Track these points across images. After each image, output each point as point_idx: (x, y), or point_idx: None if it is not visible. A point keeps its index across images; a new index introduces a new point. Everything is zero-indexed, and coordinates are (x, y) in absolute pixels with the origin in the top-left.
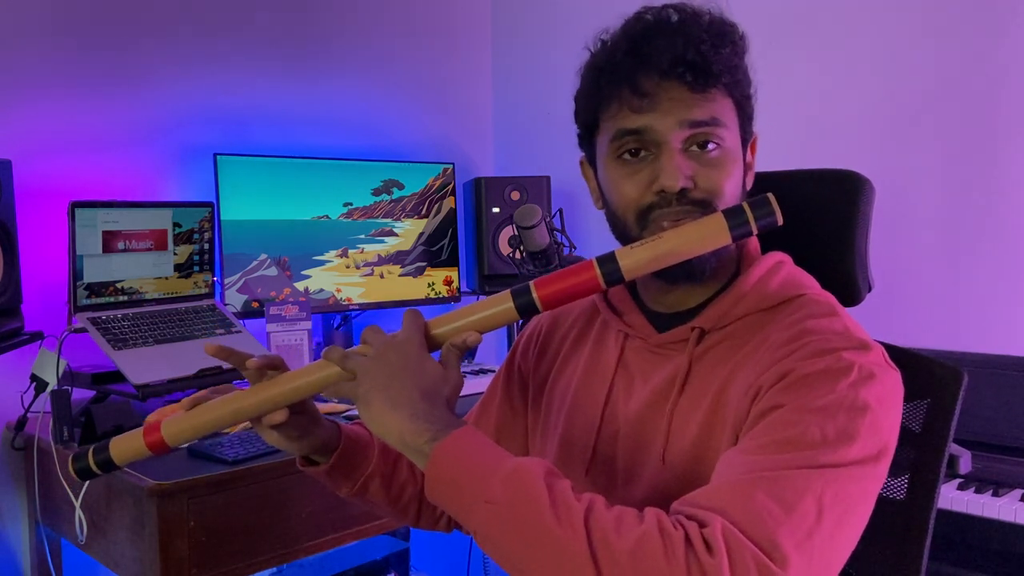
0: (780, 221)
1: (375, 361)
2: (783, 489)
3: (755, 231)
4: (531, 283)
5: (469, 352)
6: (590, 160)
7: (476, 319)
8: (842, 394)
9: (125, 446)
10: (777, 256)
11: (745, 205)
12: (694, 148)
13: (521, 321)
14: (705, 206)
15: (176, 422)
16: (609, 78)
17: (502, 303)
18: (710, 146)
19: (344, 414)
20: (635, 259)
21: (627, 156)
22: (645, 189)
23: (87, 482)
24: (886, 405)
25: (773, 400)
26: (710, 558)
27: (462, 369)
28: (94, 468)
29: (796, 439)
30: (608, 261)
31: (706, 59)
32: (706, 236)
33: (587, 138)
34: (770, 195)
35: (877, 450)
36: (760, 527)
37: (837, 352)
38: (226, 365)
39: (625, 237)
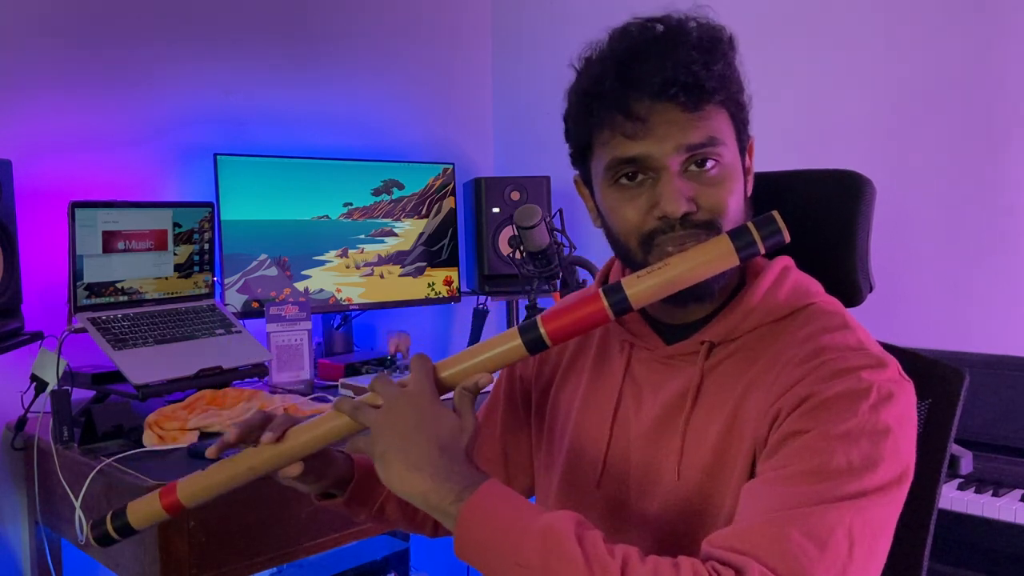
0: (787, 239)
1: (388, 416)
2: (814, 526)
3: (763, 251)
4: (538, 318)
5: None
6: (584, 179)
7: (485, 359)
8: (864, 418)
9: (142, 510)
10: (782, 262)
11: (750, 225)
12: (692, 168)
13: (522, 320)
14: (709, 227)
15: (192, 483)
16: (599, 103)
17: (510, 341)
18: (709, 164)
19: None
20: (642, 287)
21: (624, 180)
22: (646, 214)
23: (87, 482)
24: (905, 424)
25: (794, 426)
26: None
27: None
28: (113, 534)
29: (822, 469)
30: (615, 291)
31: (698, 79)
32: (713, 260)
33: (580, 158)
34: (775, 213)
35: (899, 472)
36: (797, 569)
37: (856, 372)
38: (226, 365)
39: (628, 260)
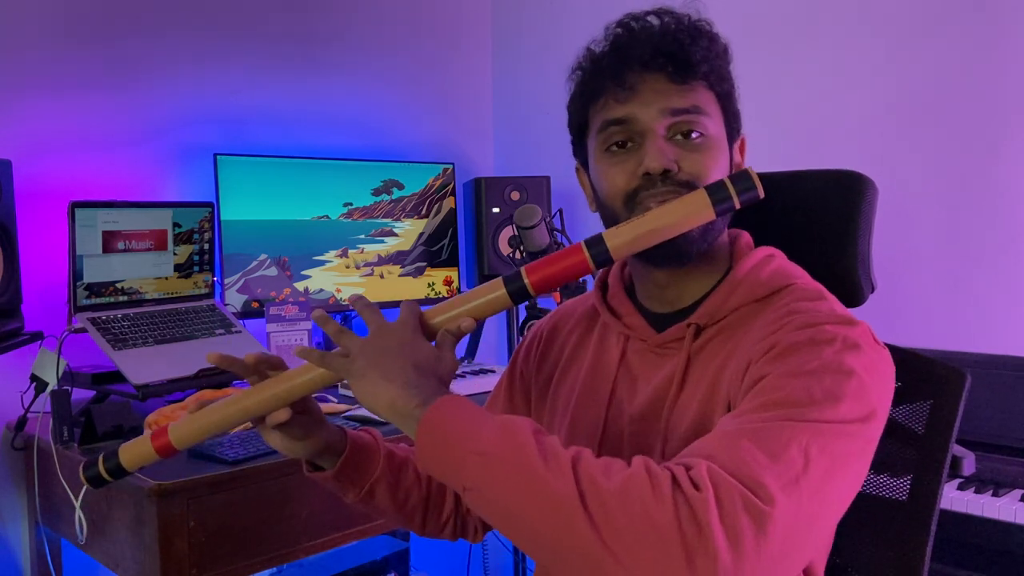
0: (762, 194)
1: (371, 338)
2: (768, 439)
3: (738, 205)
4: (522, 268)
5: (469, 352)
6: (584, 165)
7: (470, 307)
8: (827, 359)
9: (134, 451)
10: (768, 249)
11: (726, 180)
12: (678, 136)
13: (522, 320)
14: (689, 188)
15: (183, 425)
16: (594, 75)
17: (495, 290)
18: (693, 134)
19: (344, 414)
20: (622, 238)
21: (614, 148)
22: (631, 175)
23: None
24: (873, 373)
25: (761, 370)
26: (697, 492)
27: (462, 369)
28: (105, 475)
29: (783, 400)
30: (596, 243)
31: (685, 49)
32: (690, 212)
33: (579, 141)
34: (750, 168)
35: (865, 413)
36: (745, 470)
37: (821, 325)
38: None
39: (614, 224)
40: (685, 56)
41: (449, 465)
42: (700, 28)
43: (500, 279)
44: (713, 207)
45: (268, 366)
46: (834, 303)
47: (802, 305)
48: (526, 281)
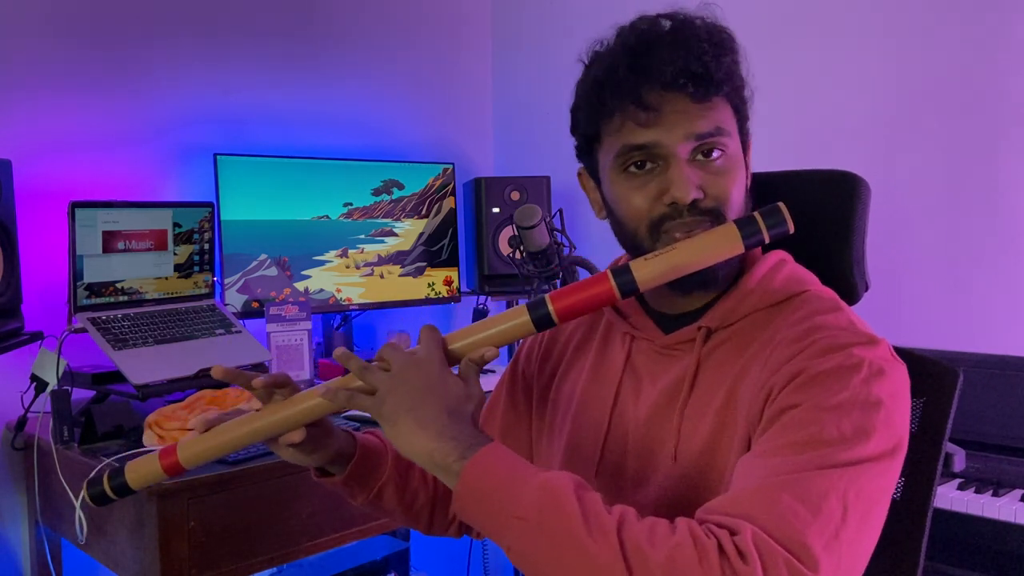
0: (791, 229)
1: (398, 380)
2: (807, 491)
3: (767, 239)
4: (547, 296)
5: None
6: (590, 171)
7: (492, 333)
8: (855, 391)
9: (141, 470)
10: (779, 254)
11: (757, 215)
12: (699, 157)
13: None
14: (715, 215)
15: (192, 444)
16: (612, 92)
17: (518, 317)
18: (715, 154)
19: (343, 414)
20: (650, 271)
21: (633, 168)
22: (655, 201)
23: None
24: (897, 399)
25: (787, 400)
26: (744, 566)
27: None
28: (109, 493)
29: (814, 439)
30: (623, 273)
31: (708, 69)
32: (719, 246)
33: (587, 149)
34: (781, 204)
35: (893, 444)
36: (789, 531)
37: (847, 349)
38: (226, 365)
39: (636, 248)
40: (708, 76)
41: (490, 525)
42: (722, 40)
43: (524, 306)
44: (743, 241)
45: (275, 386)
46: (850, 313)
47: (822, 320)
48: (550, 308)
